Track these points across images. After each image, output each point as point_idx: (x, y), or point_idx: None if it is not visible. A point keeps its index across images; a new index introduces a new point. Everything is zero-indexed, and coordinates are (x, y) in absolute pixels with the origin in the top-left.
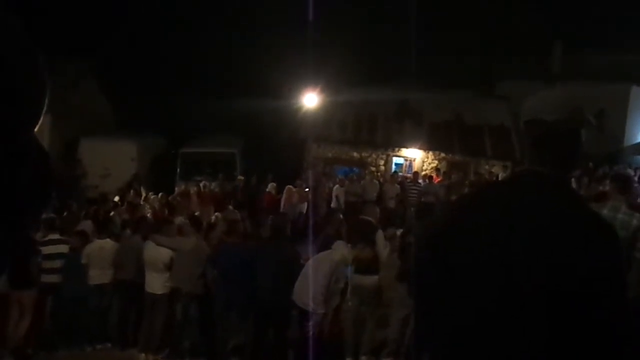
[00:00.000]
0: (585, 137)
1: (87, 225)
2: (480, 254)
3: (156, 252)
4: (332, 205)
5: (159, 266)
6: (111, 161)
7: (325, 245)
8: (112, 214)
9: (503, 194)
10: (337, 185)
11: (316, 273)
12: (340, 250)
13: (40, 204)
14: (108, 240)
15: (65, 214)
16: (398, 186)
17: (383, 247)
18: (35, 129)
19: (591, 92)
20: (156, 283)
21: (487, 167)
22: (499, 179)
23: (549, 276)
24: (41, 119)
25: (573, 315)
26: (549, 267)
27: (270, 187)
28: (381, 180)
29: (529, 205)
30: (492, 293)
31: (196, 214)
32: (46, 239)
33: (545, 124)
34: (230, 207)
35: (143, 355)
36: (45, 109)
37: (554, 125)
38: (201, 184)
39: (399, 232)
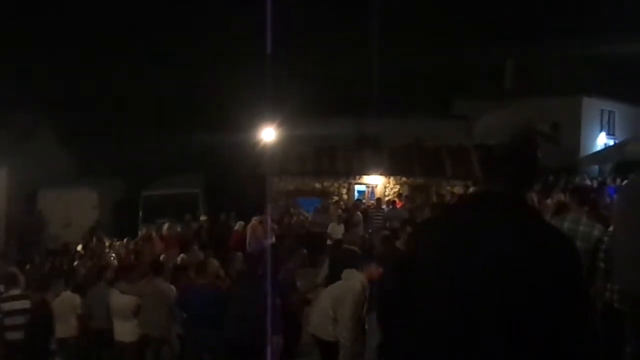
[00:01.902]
0: (538, 153)
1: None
2: (439, 274)
3: (122, 299)
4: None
5: (126, 313)
6: (72, 210)
7: (288, 280)
8: (75, 263)
9: (460, 216)
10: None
11: (342, 305)
12: (357, 277)
13: None
14: (69, 292)
15: (27, 266)
16: (360, 214)
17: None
18: None
19: (544, 106)
20: (125, 331)
21: (448, 187)
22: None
23: (508, 294)
24: None
25: (533, 332)
26: (508, 285)
27: (238, 225)
28: (344, 208)
29: (485, 225)
30: (451, 312)
31: (161, 256)
32: (7, 294)
33: (490, 149)
34: (195, 247)
35: None
36: None
37: (498, 149)
38: (164, 226)
39: None
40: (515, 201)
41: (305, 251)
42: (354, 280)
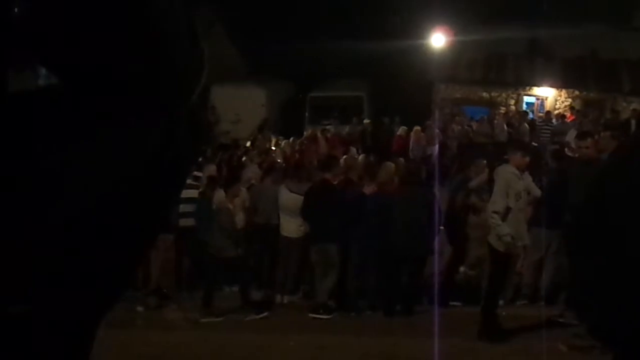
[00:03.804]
0: None
1: (211, 169)
2: None
3: (290, 197)
4: None
5: (294, 210)
6: (241, 107)
7: (459, 188)
8: (244, 159)
9: None
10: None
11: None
12: (505, 167)
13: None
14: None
15: (199, 159)
16: (527, 126)
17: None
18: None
19: None
20: (291, 227)
21: (624, 104)
22: None
23: None
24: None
25: None
26: None
27: (401, 130)
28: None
29: None
30: None
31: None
32: None
33: None
34: (353, 149)
35: (279, 296)
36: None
37: None
38: (330, 127)
39: None
40: None
41: (484, 161)
42: (503, 170)
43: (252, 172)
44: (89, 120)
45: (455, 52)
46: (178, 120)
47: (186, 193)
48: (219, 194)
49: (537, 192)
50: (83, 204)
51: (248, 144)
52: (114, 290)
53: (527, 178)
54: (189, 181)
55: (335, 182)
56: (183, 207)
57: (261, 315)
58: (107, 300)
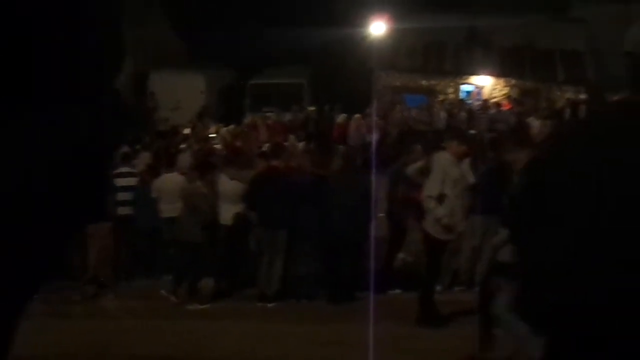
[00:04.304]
0: None
1: (148, 157)
2: (581, 181)
3: (229, 184)
4: None
5: (233, 198)
6: (180, 94)
7: (397, 175)
8: (182, 146)
9: (604, 124)
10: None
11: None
12: (442, 155)
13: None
14: (176, 174)
15: (137, 147)
16: (465, 114)
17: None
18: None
19: None
20: (230, 215)
21: (559, 93)
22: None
23: None
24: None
25: None
26: None
27: (341, 117)
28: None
29: (627, 136)
30: (593, 217)
31: (265, 145)
32: (118, 171)
33: None
34: (293, 137)
35: (214, 283)
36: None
37: None
38: (270, 115)
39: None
40: None
41: (420, 147)
42: (440, 157)
43: (187, 159)
44: (10, 105)
45: (395, 40)
46: (100, 104)
47: (123, 181)
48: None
49: (471, 178)
50: (2, 188)
51: (187, 131)
52: (36, 277)
53: (464, 165)
54: (126, 169)
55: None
56: (120, 196)
57: (203, 306)
58: (28, 289)
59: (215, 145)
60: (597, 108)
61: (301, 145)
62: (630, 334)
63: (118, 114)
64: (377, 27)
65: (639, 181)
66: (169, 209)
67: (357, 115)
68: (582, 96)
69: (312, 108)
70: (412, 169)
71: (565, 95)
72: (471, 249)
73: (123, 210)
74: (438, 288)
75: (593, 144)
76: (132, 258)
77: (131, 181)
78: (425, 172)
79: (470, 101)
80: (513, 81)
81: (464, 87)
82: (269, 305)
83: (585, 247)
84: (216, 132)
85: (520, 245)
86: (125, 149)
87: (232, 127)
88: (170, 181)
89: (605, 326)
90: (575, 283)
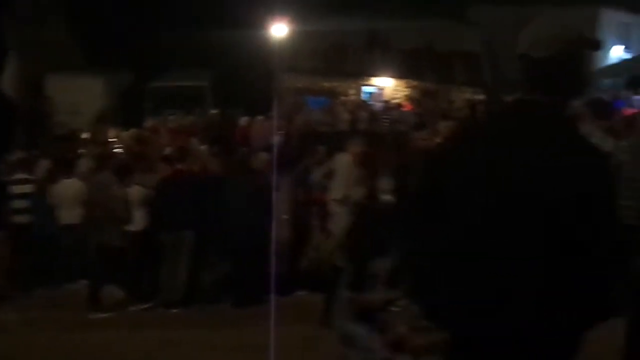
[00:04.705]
0: (586, 63)
1: (46, 163)
2: (477, 178)
3: (132, 189)
4: None
5: (136, 203)
6: (79, 98)
7: (300, 176)
8: (81, 151)
9: (499, 124)
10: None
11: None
12: (343, 156)
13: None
14: (75, 179)
15: (34, 152)
16: (368, 114)
17: None
18: None
19: (563, 15)
20: (134, 220)
21: (458, 94)
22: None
23: (542, 197)
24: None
25: (563, 234)
26: (543, 189)
27: (244, 120)
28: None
29: (522, 134)
30: (487, 214)
31: (167, 149)
32: (14, 178)
33: (537, 60)
34: (194, 140)
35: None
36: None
37: (546, 61)
38: (172, 118)
39: None
40: (556, 112)
41: (322, 148)
42: (342, 158)
43: (87, 164)
44: None
45: (297, 42)
46: None
47: (20, 188)
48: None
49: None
50: None
51: (86, 135)
52: None
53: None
54: (23, 176)
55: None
56: (17, 203)
57: (106, 314)
58: None
59: (115, 150)
60: (493, 109)
61: (204, 148)
62: (516, 326)
63: (6, 117)
64: (279, 29)
65: (531, 178)
66: (69, 215)
67: (259, 118)
68: (480, 97)
69: (214, 111)
70: (318, 173)
71: (464, 96)
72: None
73: (19, 219)
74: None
75: (489, 144)
76: (29, 267)
77: (28, 188)
78: (330, 175)
79: (371, 102)
80: (413, 82)
81: (366, 89)
82: (173, 311)
83: (479, 243)
84: (117, 137)
85: (418, 241)
86: (21, 154)
87: (133, 131)
88: (69, 187)
89: (493, 321)
90: (468, 277)
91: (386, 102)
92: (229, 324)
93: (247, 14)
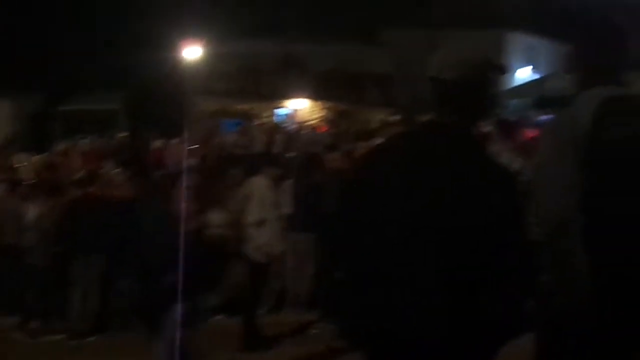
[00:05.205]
0: (493, 87)
1: None
2: (390, 197)
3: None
4: None
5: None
6: None
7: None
8: None
9: (411, 144)
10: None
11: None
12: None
13: None
14: None
15: None
16: (283, 136)
17: None
18: None
19: (470, 38)
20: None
21: (373, 115)
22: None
23: (453, 216)
24: None
25: (473, 251)
26: (453, 208)
27: (157, 143)
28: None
29: (432, 155)
30: (400, 234)
31: (78, 173)
32: None
33: (447, 82)
34: (108, 163)
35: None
36: None
37: (456, 83)
38: (83, 142)
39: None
40: (466, 133)
41: (239, 172)
42: (257, 181)
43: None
44: None
45: (211, 64)
46: None
47: None
48: None
49: (289, 208)
50: None
51: None
52: None
53: (283, 188)
54: None
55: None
56: None
57: None
58: None
59: (24, 175)
60: (406, 130)
61: (117, 172)
62: (430, 345)
63: None
64: (192, 51)
65: (442, 198)
66: None
67: (173, 141)
68: (394, 118)
69: (126, 134)
70: (237, 198)
71: (379, 117)
72: (294, 269)
73: None
74: (263, 311)
75: (401, 164)
76: None
77: None
78: (247, 199)
79: (286, 124)
80: (328, 104)
81: (280, 111)
82: (85, 340)
83: (392, 262)
84: (25, 161)
85: (338, 257)
86: None
87: (42, 155)
88: None
89: (408, 340)
90: (383, 297)
91: (301, 123)
92: (144, 351)
93: (159, 36)
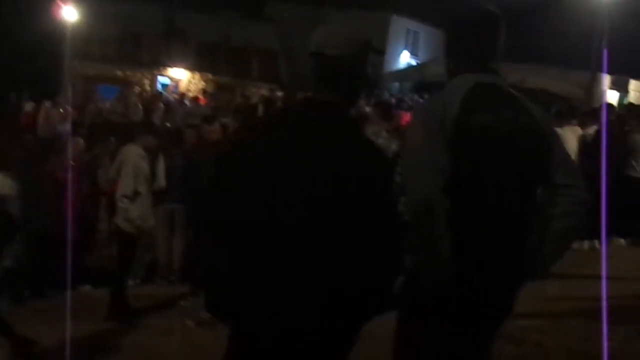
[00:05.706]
0: (369, 67)
1: None
2: (263, 172)
3: None
4: None
5: None
6: None
7: (88, 167)
8: None
9: (288, 121)
10: None
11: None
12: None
13: None
14: None
15: None
16: (163, 106)
17: None
18: None
19: (355, 18)
20: None
21: (253, 89)
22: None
23: (322, 199)
24: None
25: (346, 228)
26: (326, 186)
27: (29, 106)
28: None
29: (309, 132)
30: (271, 208)
31: None
32: None
33: (326, 58)
34: None
35: None
36: None
37: (335, 60)
38: None
39: None
40: (342, 111)
41: (113, 139)
42: (129, 151)
43: None
44: None
45: (89, 27)
46: None
47: None
48: None
49: (162, 182)
50: None
51: None
52: None
53: (159, 160)
54: None
55: None
56: None
57: None
58: None
59: None
60: (285, 106)
61: None
62: (299, 318)
63: None
64: (69, 13)
65: (316, 175)
66: None
67: (46, 104)
68: (276, 94)
69: None
70: (113, 168)
71: (260, 92)
72: (164, 240)
73: None
74: (133, 282)
75: (276, 140)
76: None
77: None
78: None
79: (166, 94)
80: (209, 76)
81: (161, 80)
82: None
83: (263, 236)
84: None
85: (206, 235)
86: None
87: None
88: None
89: (276, 314)
90: (252, 270)
91: (181, 94)
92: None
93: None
